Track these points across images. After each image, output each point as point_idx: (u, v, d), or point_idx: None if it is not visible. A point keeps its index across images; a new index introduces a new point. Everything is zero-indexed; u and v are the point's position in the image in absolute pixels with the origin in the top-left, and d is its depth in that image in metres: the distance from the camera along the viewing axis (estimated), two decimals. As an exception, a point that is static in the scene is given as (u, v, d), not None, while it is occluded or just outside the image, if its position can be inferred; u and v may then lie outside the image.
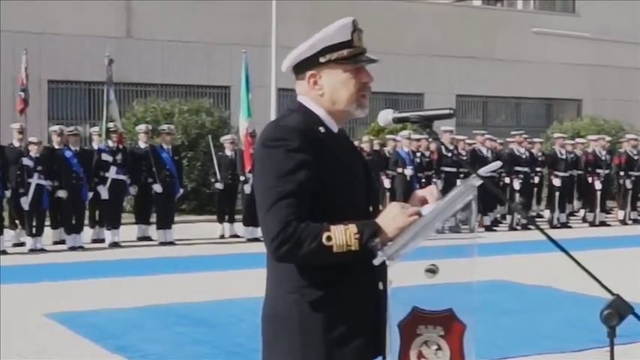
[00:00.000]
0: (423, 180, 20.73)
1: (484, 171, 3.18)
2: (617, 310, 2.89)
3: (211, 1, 28.45)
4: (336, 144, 3.27)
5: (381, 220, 3.11)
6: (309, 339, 3.14)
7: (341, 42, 3.22)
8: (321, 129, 3.24)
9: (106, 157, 17.44)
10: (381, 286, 3.21)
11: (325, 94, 3.27)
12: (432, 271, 3.08)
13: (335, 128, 3.31)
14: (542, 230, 3.10)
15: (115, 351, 8.43)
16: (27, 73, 18.59)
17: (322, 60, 3.22)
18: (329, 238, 3.03)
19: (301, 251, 3.03)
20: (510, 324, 9.59)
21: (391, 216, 3.09)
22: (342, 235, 3.04)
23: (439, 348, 3.10)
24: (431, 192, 3.22)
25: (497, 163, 3.78)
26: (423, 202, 3.22)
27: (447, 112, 3.24)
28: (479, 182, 3.05)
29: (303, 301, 3.15)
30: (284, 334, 3.19)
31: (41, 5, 25.95)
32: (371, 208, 3.32)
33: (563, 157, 22.52)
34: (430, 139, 21.22)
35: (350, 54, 3.23)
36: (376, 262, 3.03)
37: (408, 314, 3.12)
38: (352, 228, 3.05)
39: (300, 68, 3.29)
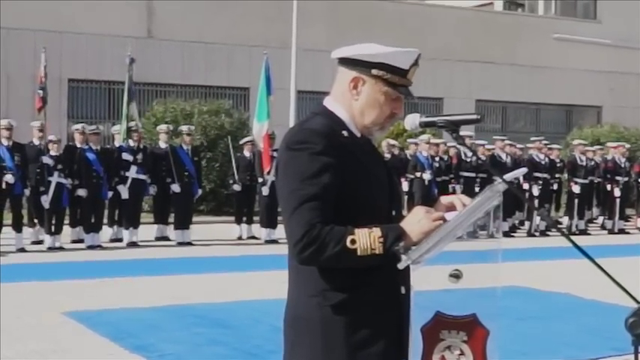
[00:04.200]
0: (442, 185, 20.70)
1: (509, 177, 3.17)
2: (642, 319, 2.87)
3: (232, 2, 28.51)
4: (359, 148, 3.27)
5: (406, 224, 3.10)
6: (332, 342, 3.14)
7: (398, 67, 3.22)
8: (345, 133, 3.24)
9: (126, 156, 17.46)
10: (403, 290, 3.22)
11: (359, 102, 3.27)
12: (456, 276, 3.07)
13: (358, 133, 3.31)
14: (568, 237, 3.09)
15: (133, 350, 8.45)
16: (46, 71, 18.64)
17: (374, 72, 3.22)
18: (353, 242, 3.02)
19: (325, 254, 3.02)
20: (529, 330, 9.54)
21: (416, 220, 3.08)
22: (366, 239, 3.03)
23: (462, 353, 3.10)
24: (460, 199, 3.20)
25: (523, 170, 3.77)
26: (449, 208, 3.20)
27: (473, 117, 3.25)
28: (504, 188, 3.04)
29: (326, 305, 3.15)
30: (306, 337, 3.19)
31: (62, 5, 26.07)
32: (394, 212, 3.31)
33: (583, 163, 22.45)
34: (448, 144, 21.22)
35: (399, 82, 3.24)
36: (400, 266, 3.02)
37: (431, 319, 3.11)
38: (376, 231, 3.05)
39: (350, 64, 3.27)
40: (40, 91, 18.08)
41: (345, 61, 3.29)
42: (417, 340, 3.10)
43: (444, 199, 3.28)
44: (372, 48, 3.23)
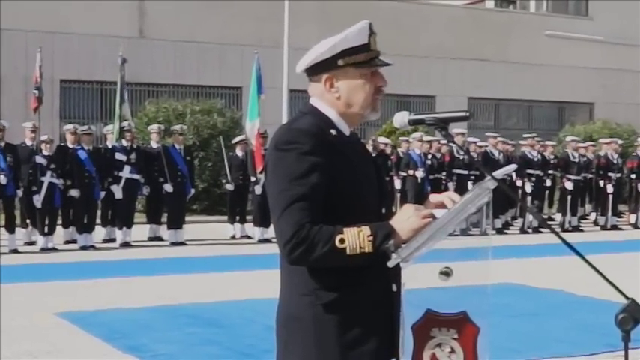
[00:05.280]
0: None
1: (499, 174, 3.16)
2: (631, 314, 2.88)
3: (224, 2, 28.49)
4: (348, 147, 3.27)
5: (395, 222, 3.10)
6: (324, 341, 3.14)
7: (359, 45, 3.22)
8: (333, 132, 3.24)
9: (119, 156, 17.45)
10: (394, 287, 3.21)
11: (341, 97, 3.27)
12: (446, 273, 3.07)
13: (347, 131, 3.31)
14: (557, 234, 3.10)
15: (126, 350, 8.44)
16: (41, 71, 18.59)
17: (340, 63, 3.22)
18: (342, 241, 3.02)
19: (314, 254, 3.02)
20: (521, 327, 9.55)
21: (405, 218, 3.09)
22: (355, 238, 3.03)
23: (452, 350, 3.10)
24: (450, 197, 3.20)
25: (513, 166, 3.76)
26: (439, 206, 3.19)
27: (462, 114, 3.24)
28: (494, 185, 3.04)
29: (317, 304, 3.15)
30: (298, 336, 3.19)
31: (54, 5, 26.02)
32: (384, 210, 3.32)
33: (576, 160, 22.49)
34: (440, 142, 21.21)
35: (367, 58, 3.24)
36: (390, 264, 3.02)
37: (421, 316, 3.11)
38: (365, 230, 3.05)
39: (316, 70, 3.29)
40: (36, 91, 18.03)
41: (312, 70, 3.30)
42: (408, 338, 3.10)
43: (434, 198, 3.28)
44: (324, 44, 3.24)
